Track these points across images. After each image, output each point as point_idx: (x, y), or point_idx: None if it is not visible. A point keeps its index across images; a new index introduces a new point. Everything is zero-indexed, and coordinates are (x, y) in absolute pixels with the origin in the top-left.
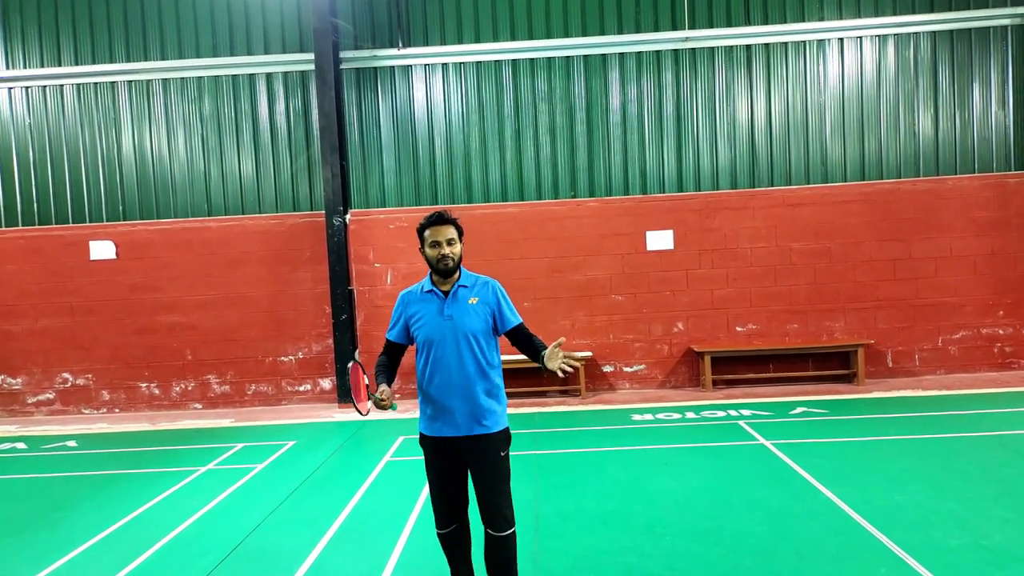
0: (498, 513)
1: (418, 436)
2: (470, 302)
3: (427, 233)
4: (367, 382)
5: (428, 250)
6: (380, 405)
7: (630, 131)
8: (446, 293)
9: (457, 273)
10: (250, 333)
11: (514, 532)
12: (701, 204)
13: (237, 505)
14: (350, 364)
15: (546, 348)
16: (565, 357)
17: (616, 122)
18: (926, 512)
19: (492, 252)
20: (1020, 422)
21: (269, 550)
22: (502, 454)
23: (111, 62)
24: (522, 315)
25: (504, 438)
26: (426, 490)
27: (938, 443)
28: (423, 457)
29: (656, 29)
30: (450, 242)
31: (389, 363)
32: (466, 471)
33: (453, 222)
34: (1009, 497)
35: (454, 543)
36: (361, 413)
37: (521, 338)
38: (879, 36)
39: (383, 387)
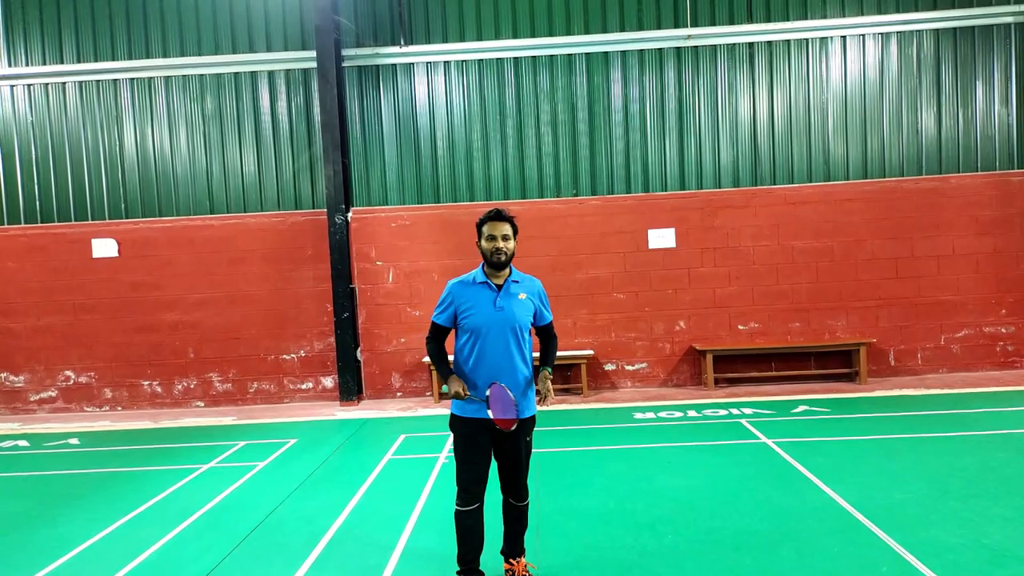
0: (522, 488)
1: (448, 418)
2: (520, 297)
3: (485, 228)
4: (512, 398)
5: (484, 243)
6: (459, 397)
7: (632, 129)
8: (499, 286)
9: (508, 268)
10: (252, 331)
11: (529, 499)
12: (703, 202)
13: (239, 503)
14: (492, 387)
15: (549, 368)
16: (547, 392)
17: (618, 120)
18: (927, 511)
19: None
20: (1022, 421)
21: (270, 548)
22: (527, 438)
23: (113, 60)
24: None
25: (533, 423)
26: (429, 487)
27: (940, 442)
28: (452, 439)
29: (658, 27)
30: (505, 238)
31: (442, 350)
32: (492, 451)
33: (510, 220)
34: (1010, 496)
35: (475, 522)
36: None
37: (547, 335)
38: (882, 34)
39: (457, 381)
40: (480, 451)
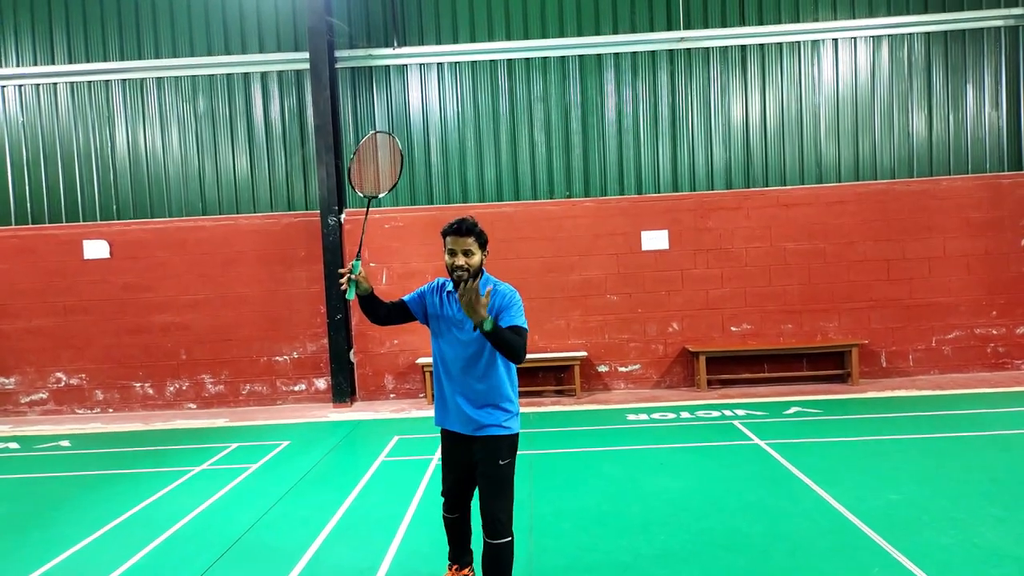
0: (493, 519)
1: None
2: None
3: (447, 240)
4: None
5: (446, 257)
6: (350, 276)
7: (625, 131)
8: None
9: (479, 275)
10: (245, 333)
11: (509, 543)
12: (696, 204)
13: (231, 505)
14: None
15: (490, 321)
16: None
17: (611, 122)
18: (919, 511)
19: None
20: (1013, 422)
21: (264, 550)
22: (501, 463)
23: (105, 60)
24: None
25: (506, 446)
26: (422, 489)
27: (931, 443)
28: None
29: (651, 29)
30: (466, 253)
31: (384, 304)
32: (473, 467)
33: (473, 232)
34: (1002, 496)
35: (455, 528)
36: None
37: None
38: (873, 37)
39: (361, 269)
40: (453, 460)
